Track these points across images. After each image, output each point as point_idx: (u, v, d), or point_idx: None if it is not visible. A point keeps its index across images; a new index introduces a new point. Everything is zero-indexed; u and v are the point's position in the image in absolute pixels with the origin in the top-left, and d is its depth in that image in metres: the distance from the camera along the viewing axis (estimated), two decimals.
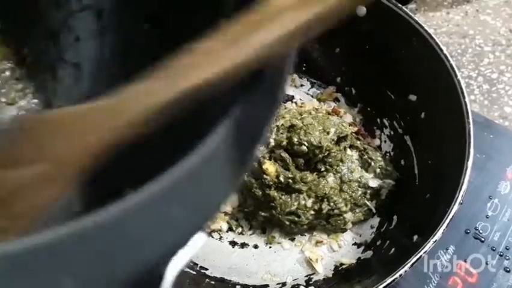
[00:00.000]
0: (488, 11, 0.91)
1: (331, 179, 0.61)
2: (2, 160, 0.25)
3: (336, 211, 0.60)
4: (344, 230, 0.63)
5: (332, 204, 0.60)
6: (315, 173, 0.61)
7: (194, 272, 0.60)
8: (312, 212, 0.60)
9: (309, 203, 0.60)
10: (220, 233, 0.64)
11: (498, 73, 0.81)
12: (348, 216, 0.61)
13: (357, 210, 0.62)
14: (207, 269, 0.61)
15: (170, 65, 0.21)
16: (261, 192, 0.61)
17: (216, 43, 0.21)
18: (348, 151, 0.64)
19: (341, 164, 0.62)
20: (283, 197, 0.60)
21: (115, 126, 0.22)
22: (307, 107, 0.72)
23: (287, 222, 0.61)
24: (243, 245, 0.63)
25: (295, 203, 0.60)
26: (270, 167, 0.60)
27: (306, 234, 0.63)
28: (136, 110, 0.22)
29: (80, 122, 0.23)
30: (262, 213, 0.61)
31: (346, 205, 0.60)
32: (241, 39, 0.21)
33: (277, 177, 0.60)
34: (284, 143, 0.61)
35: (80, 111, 0.24)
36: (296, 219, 0.60)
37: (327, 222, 0.61)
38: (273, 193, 0.60)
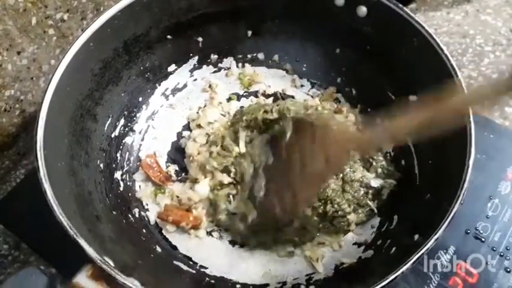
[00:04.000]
0: (489, 11, 0.91)
1: (332, 180, 0.61)
2: (305, 156, 0.55)
3: (340, 212, 0.60)
4: (347, 232, 0.62)
5: (335, 206, 0.59)
6: None
7: (194, 271, 0.60)
8: (316, 218, 0.60)
9: (309, 211, 0.60)
10: (220, 232, 0.64)
11: (498, 73, 0.81)
12: (352, 217, 0.60)
13: (359, 211, 0.61)
14: (206, 268, 0.61)
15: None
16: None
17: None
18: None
19: None
20: None
21: (359, 150, 0.60)
22: (311, 103, 0.72)
23: (296, 238, 0.60)
24: (243, 244, 0.63)
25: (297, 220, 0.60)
26: None
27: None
28: (370, 146, 0.58)
29: (344, 141, 0.53)
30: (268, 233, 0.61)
31: (349, 206, 0.60)
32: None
33: None
34: None
35: (344, 135, 0.56)
36: (304, 231, 0.60)
37: (331, 224, 0.61)
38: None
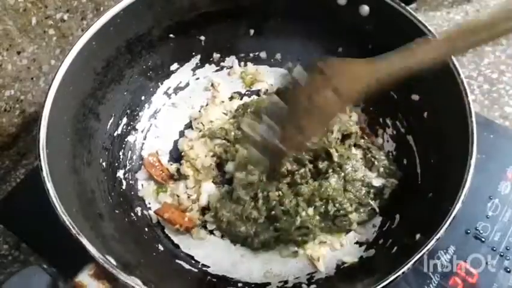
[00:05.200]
0: (489, 11, 0.91)
1: (333, 179, 0.61)
2: (311, 89, 0.51)
3: (341, 212, 0.60)
4: (348, 231, 0.62)
5: (337, 205, 0.60)
6: (315, 181, 0.62)
7: (196, 270, 0.60)
8: (318, 217, 0.60)
9: (311, 210, 0.60)
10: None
11: (498, 73, 0.82)
12: (353, 216, 0.60)
13: (361, 210, 0.62)
14: (208, 267, 0.61)
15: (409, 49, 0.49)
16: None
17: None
18: (353, 150, 0.64)
19: (347, 161, 0.62)
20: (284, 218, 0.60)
21: (372, 79, 0.49)
22: None
23: (299, 238, 0.60)
24: (246, 245, 0.63)
25: (298, 218, 0.59)
26: None
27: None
28: (385, 72, 0.49)
29: (355, 70, 0.50)
30: (269, 234, 0.61)
31: (351, 205, 0.60)
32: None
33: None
34: None
35: (355, 65, 0.51)
36: (306, 231, 0.60)
37: (333, 223, 0.61)
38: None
